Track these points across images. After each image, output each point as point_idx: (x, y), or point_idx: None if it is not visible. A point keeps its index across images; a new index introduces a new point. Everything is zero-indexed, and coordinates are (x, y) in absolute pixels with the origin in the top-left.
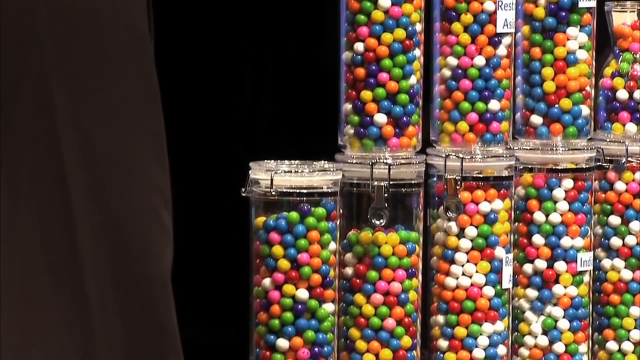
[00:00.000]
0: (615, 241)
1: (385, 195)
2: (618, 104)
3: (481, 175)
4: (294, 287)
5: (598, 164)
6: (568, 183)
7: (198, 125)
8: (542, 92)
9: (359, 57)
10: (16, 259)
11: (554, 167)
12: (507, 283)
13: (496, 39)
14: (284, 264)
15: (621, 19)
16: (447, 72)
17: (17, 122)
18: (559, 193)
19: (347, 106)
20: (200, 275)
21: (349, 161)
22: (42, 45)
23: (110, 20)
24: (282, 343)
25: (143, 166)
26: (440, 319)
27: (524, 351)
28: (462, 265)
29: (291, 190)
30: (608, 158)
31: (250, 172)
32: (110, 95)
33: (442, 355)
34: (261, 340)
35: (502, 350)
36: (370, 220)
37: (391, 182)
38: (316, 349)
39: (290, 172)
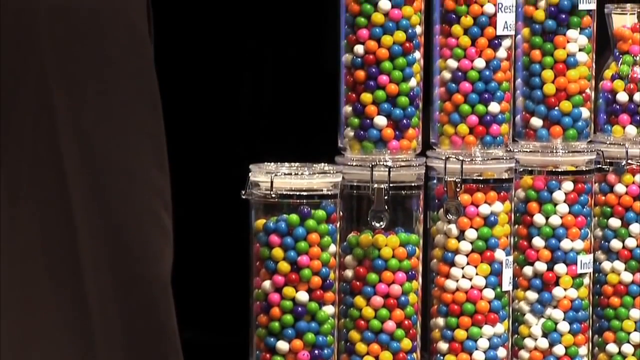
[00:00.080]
0: (615, 243)
1: (385, 197)
2: (618, 107)
3: (481, 178)
4: (294, 290)
5: (598, 166)
6: (568, 185)
7: (198, 127)
8: (542, 94)
9: (359, 59)
10: (16, 261)
11: (554, 170)
12: (507, 285)
13: (496, 42)
14: (284, 266)
15: (621, 22)
16: (447, 75)
17: (17, 124)
18: (559, 195)
19: (347, 109)
20: (200, 277)
21: (349, 163)
22: (42, 47)
23: (110, 23)
24: (282, 345)
25: (143, 168)
26: (440, 321)
27: (524, 354)
28: (462, 268)
29: (291, 193)
30: (608, 160)
31: (250, 174)
32: (111, 97)
33: (442, 357)
34: (261, 342)
35: (502, 352)
36: (370, 223)
37: (391, 185)
38: (316, 352)
39: (290, 174)
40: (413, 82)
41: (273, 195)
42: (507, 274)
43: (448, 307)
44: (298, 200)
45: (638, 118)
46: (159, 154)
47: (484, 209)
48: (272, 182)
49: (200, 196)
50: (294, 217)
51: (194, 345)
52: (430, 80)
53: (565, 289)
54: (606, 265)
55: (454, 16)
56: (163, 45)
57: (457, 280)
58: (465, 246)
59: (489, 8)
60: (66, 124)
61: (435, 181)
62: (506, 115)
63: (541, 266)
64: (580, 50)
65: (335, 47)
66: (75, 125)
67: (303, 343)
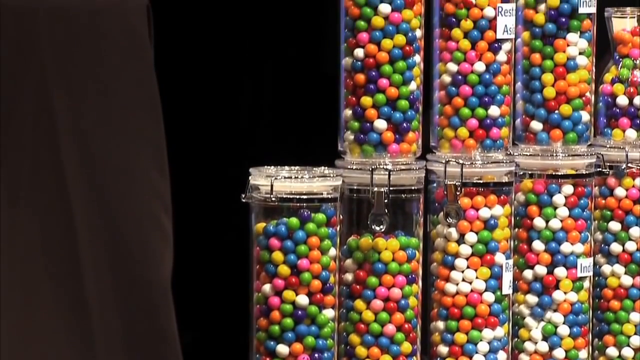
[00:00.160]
0: (615, 247)
1: (385, 201)
2: (618, 110)
3: (481, 181)
4: (294, 293)
5: (598, 169)
6: (568, 189)
7: (198, 130)
8: (542, 98)
9: (359, 63)
10: (16, 263)
11: (554, 173)
12: (507, 289)
13: (496, 45)
14: (284, 269)
15: (621, 25)
16: (447, 78)
17: (17, 127)
18: (559, 199)
19: (347, 112)
20: (200, 281)
21: (349, 167)
22: (42, 50)
23: (110, 26)
24: (282, 349)
25: (143, 172)
26: (441, 324)
27: (524, 357)
28: (462, 271)
29: (291, 196)
30: (608, 164)
31: (250, 178)
32: (110, 100)
33: None
34: (261, 346)
35: (502, 356)
36: (370, 226)
37: (391, 188)
38: (316, 355)
39: (290, 178)
40: (413, 86)
41: (273, 199)
42: (507, 278)
43: (448, 310)
44: (298, 204)
45: (638, 121)
46: (159, 157)
47: (484, 213)
48: (272, 186)
49: (201, 199)
50: (294, 221)
51: (194, 349)
52: (430, 83)
53: (565, 293)
54: (606, 268)
55: (454, 20)
56: (163, 49)
57: (457, 284)
58: (465, 249)
59: (489, 11)
60: (66, 127)
61: (435, 185)
62: (506, 119)
63: (541, 269)
64: (580, 53)
65: (335, 50)
66: (75, 127)
67: (303, 346)
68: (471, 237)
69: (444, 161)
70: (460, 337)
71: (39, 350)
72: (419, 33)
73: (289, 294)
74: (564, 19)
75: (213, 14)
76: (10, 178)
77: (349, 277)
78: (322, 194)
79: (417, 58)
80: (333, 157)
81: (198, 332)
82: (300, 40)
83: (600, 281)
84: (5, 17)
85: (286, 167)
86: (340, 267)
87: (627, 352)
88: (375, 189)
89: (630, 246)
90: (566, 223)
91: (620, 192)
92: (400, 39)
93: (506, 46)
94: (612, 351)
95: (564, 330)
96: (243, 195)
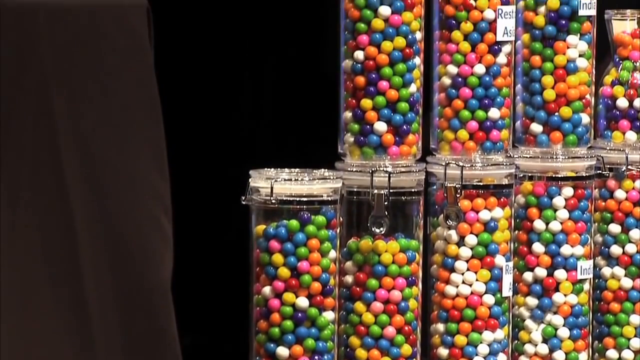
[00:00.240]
0: (615, 249)
1: (385, 203)
2: (618, 112)
3: (481, 184)
4: (294, 295)
5: (598, 172)
6: (568, 191)
7: (198, 133)
8: (542, 100)
9: (359, 65)
10: (16, 266)
11: (554, 175)
12: (507, 291)
13: (496, 47)
14: (284, 272)
15: (621, 27)
16: (447, 80)
17: (17, 128)
18: (559, 201)
19: (347, 114)
20: (200, 283)
21: (349, 169)
22: (42, 52)
23: (110, 27)
24: (282, 351)
25: (143, 174)
26: (441, 327)
27: (524, 359)
28: (462, 274)
29: (291, 199)
30: (608, 166)
31: (250, 180)
32: (110, 102)
33: None
34: (261, 348)
35: (502, 358)
36: (370, 229)
37: (391, 190)
38: (316, 357)
39: (290, 180)
40: (413, 88)
41: (273, 201)
42: (507, 280)
43: (448, 312)
44: (298, 206)
45: (638, 124)
46: (159, 159)
47: (484, 215)
48: (272, 188)
49: (201, 201)
50: (294, 223)
51: (194, 351)
52: (430, 86)
53: (565, 295)
54: (606, 271)
55: (454, 22)
56: (163, 50)
57: (457, 286)
58: (465, 252)
59: (489, 14)
60: (66, 131)
61: (435, 187)
62: (506, 121)
63: (541, 272)
64: (580, 56)
65: (335, 52)
66: (75, 128)
67: (303, 349)
68: (471, 240)
69: (444, 163)
70: (460, 340)
71: (39, 351)
72: (419, 35)
73: (289, 296)
74: (564, 21)
75: (213, 15)
76: (10, 179)
77: (349, 279)
78: (322, 196)
79: (417, 60)
80: (333, 160)
81: (198, 334)
82: (301, 43)
83: (600, 283)
84: (6, 17)
85: (286, 169)
86: (340, 269)
87: (627, 354)
88: (375, 191)
89: (630, 248)
90: (566, 225)
91: (620, 194)
92: (400, 41)
93: (506, 48)
94: (612, 353)
95: (564, 332)
96: (243, 197)
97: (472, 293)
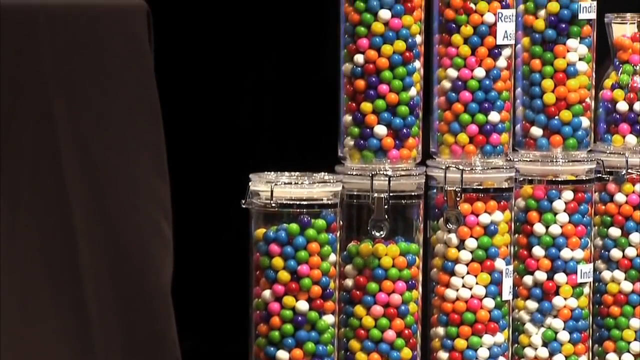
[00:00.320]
0: (615, 253)
1: (385, 206)
2: (618, 116)
3: (481, 187)
4: (294, 299)
5: (598, 175)
6: (568, 195)
7: (198, 136)
8: (542, 103)
9: (359, 68)
10: (16, 269)
11: (554, 179)
12: (507, 295)
13: (496, 51)
14: (284, 275)
15: (621, 31)
16: (447, 84)
17: (18, 132)
18: (559, 205)
19: (347, 118)
20: (200, 286)
21: (349, 173)
22: (42, 55)
23: (110, 31)
24: (282, 355)
25: (143, 177)
26: (441, 330)
27: None
28: (462, 277)
29: (291, 202)
30: (608, 170)
31: (250, 183)
32: (110, 106)
33: None
34: (261, 352)
35: None
36: (370, 232)
37: (391, 194)
38: None
39: (290, 183)
40: (413, 92)
41: (273, 205)
42: (507, 283)
43: (448, 316)
44: (298, 210)
45: (638, 127)
46: (159, 163)
47: (484, 218)
48: (272, 192)
49: (201, 205)
50: (294, 227)
51: (194, 355)
52: (430, 89)
53: (565, 299)
54: (606, 274)
55: (454, 25)
56: (163, 54)
57: (457, 290)
58: (465, 255)
59: (489, 17)
60: (66, 132)
61: (435, 190)
62: (506, 125)
63: (541, 275)
64: (580, 59)
65: (335, 56)
66: (75, 135)
67: (303, 352)
68: (471, 243)
69: (444, 167)
70: (461, 343)
71: (39, 354)
72: (419, 39)
73: (289, 300)
74: (564, 25)
75: (214, 19)
76: (10, 181)
77: (349, 282)
78: (322, 199)
79: (417, 64)
80: (333, 163)
81: (198, 337)
82: (301, 46)
83: (600, 287)
84: (6, 22)
85: (286, 173)
86: (340, 272)
87: (627, 358)
88: (375, 194)
89: (630, 252)
90: (566, 229)
91: (620, 197)
92: (400, 44)
93: (506, 52)
94: (612, 357)
95: (564, 336)
96: (243, 201)
97: (472, 296)
